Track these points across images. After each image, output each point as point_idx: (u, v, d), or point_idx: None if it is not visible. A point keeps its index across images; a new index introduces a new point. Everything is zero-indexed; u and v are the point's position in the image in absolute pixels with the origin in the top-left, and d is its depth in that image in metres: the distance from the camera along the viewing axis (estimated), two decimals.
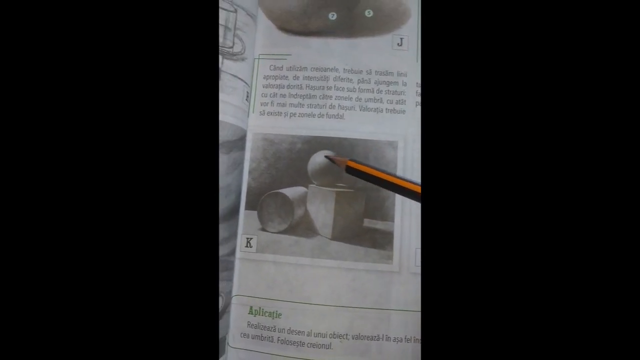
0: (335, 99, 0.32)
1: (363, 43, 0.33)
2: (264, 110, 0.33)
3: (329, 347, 0.29)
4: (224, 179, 0.29)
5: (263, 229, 0.31)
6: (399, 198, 0.31)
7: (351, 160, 0.30)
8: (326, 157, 0.31)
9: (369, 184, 0.31)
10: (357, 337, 0.29)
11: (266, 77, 0.33)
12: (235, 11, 0.31)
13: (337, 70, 0.33)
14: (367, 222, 0.31)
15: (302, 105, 0.32)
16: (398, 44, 0.33)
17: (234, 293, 0.30)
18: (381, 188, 0.31)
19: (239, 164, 0.31)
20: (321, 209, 0.31)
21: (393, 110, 0.32)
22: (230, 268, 0.30)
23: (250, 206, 0.31)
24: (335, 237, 0.31)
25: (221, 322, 0.29)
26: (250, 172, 0.32)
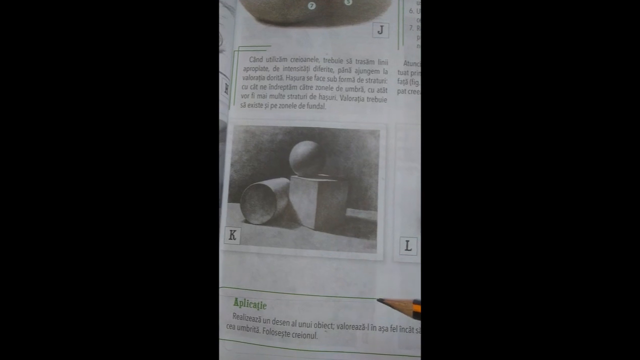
0: (316, 89, 0.32)
1: (343, 32, 0.33)
2: (244, 102, 0.33)
3: (314, 336, 0.29)
4: None
5: (246, 221, 0.31)
6: (381, 187, 0.31)
7: (415, 302, 0.25)
8: (380, 300, 0.27)
9: (352, 174, 0.31)
10: (342, 326, 0.29)
11: (246, 69, 0.33)
12: None
13: (317, 60, 0.32)
14: (350, 212, 0.31)
15: (282, 96, 0.32)
16: (378, 31, 0.33)
17: (219, 285, 0.31)
18: (363, 177, 0.31)
19: (220, 155, 0.31)
20: (304, 199, 0.31)
21: (374, 99, 0.32)
22: None
23: (233, 198, 0.31)
24: (318, 228, 0.31)
25: None
26: (232, 165, 0.32)
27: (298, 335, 0.29)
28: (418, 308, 0.25)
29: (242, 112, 0.32)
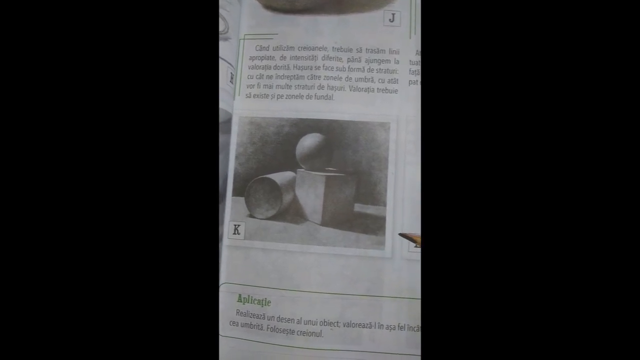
0: (324, 79, 0.31)
1: (353, 19, 0.32)
2: (250, 93, 0.31)
3: (319, 334, 0.29)
4: None
5: (251, 216, 0.30)
6: (391, 182, 0.30)
7: None
8: (401, 235, 0.28)
9: (360, 168, 0.30)
10: (349, 324, 0.29)
11: (252, 58, 0.32)
12: None
13: (325, 48, 0.31)
14: (358, 207, 0.30)
15: (289, 87, 0.31)
16: (390, 20, 0.31)
17: (222, 281, 0.30)
18: (372, 172, 0.30)
19: (224, 147, 0.30)
20: (310, 194, 0.30)
21: (385, 90, 0.31)
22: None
23: (237, 192, 0.31)
24: (325, 223, 0.30)
25: None
26: (237, 157, 0.31)
27: (303, 333, 0.29)
28: None
29: (248, 103, 0.31)
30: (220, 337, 0.29)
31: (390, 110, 0.30)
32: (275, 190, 0.30)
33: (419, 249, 0.29)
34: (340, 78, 0.31)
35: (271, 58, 0.32)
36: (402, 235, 0.29)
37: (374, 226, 0.29)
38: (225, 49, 0.30)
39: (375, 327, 0.29)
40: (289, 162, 0.31)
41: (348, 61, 0.31)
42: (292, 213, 0.30)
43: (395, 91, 0.31)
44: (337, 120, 0.31)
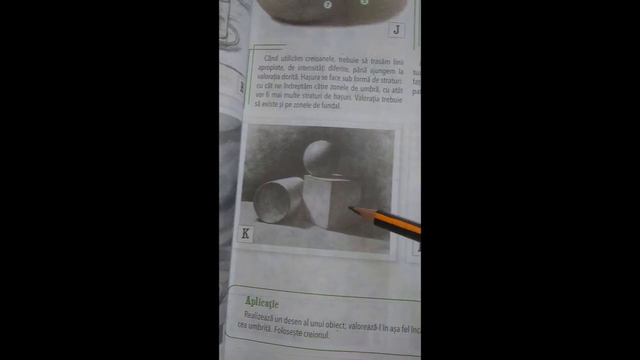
0: (331, 89, 0.32)
1: (359, 31, 0.33)
2: (259, 101, 0.33)
3: (325, 336, 0.29)
4: (220, 169, 0.29)
5: (259, 220, 0.31)
6: (395, 188, 0.31)
7: (379, 212, 0.27)
8: (350, 208, 0.30)
9: (366, 174, 0.31)
10: (354, 326, 0.29)
11: (261, 68, 0.33)
12: (229, 1, 0.31)
13: (332, 59, 0.32)
14: None
15: (297, 96, 0.32)
16: (394, 31, 0.32)
17: (231, 283, 0.31)
18: (377, 178, 0.31)
19: (234, 154, 0.31)
20: (317, 199, 0.31)
21: (389, 99, 0.32)
22: (227, 258, 0.30)
23: (246, 197, 0.32)
24: (331, 227, 0.31)
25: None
26: (246, 163, 0.32)
27: (310, 335, 0.29)
28: (379, 216, 0.27)
29: (257, 111, 0.32)
30: (228, 338, 0.30)
31: (394, 118, 0.31)
32: (283, 195, 0.31)
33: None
34: (347, 87, 0.32)
35: (280, 68, 0.33)
36: (350, 208, 0.30)
37: (378, 231, 0.30)
38: (235, 59, 0.31)
39: (380, 329, 0.29)
40: (297, 168, 0.32)
41: (354, 71, 0.32)
42: (299, 217, 0.31)
43: (400, 100, 0.32)
44: (343, 128, 0.32)
